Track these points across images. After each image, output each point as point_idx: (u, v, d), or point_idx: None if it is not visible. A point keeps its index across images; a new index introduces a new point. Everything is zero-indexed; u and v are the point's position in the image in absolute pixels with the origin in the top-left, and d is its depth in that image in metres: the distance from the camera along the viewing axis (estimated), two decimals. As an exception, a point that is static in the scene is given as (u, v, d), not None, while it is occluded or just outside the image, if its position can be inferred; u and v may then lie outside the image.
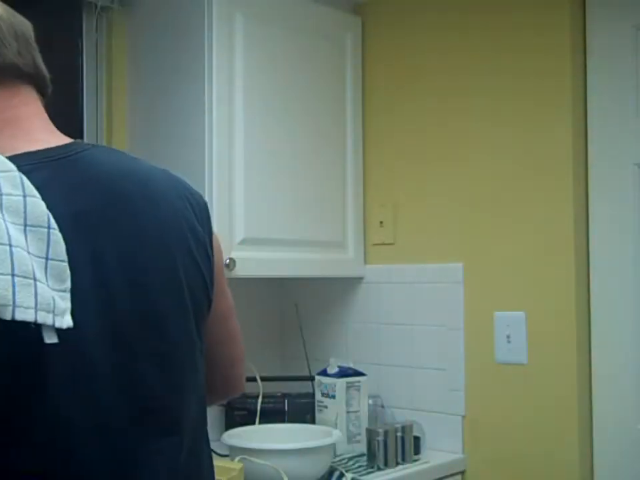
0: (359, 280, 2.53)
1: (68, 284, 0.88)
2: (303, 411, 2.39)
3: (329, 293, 2.60)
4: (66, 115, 2.21)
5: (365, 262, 2.53)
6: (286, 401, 2.41)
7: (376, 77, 2.53)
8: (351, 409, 2.28)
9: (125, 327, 0.96)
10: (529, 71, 2.20)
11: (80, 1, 2.29)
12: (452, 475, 2.26)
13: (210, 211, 2.20)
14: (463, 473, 2.29)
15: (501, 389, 2.23)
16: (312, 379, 2.40)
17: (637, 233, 2.08)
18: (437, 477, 2.21)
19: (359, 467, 2.15)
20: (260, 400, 2.37)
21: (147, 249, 1.01)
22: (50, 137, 1.01)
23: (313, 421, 2.33)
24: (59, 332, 0.85)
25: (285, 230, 2.28)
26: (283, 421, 2.37)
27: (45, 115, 1.05)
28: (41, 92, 1.07)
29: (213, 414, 2.46)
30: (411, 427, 2.21)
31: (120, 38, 2.36)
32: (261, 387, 2.41)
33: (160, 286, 1.01)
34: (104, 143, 2.32)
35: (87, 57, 2.32)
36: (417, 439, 2.24)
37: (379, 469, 2.12)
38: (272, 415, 2.37)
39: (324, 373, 2.33)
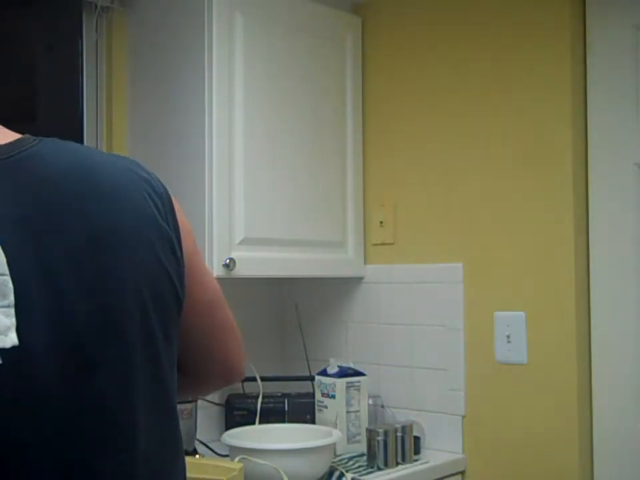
0: (358, 280, 2.53)
1: (11, 298, 0.80)
2: (303, 411, 2.39)
3: (329, 293, 2.60)
4: (66, 114, 2.21)
5: (365, 262, 2.53)
6: (286, 401, 2.41)
7: (376, 77, 2.53)
8: (351, 409, 2.28)
9: (79, 339, 0.85)
10: (529, 70, 2.20)
11: (80, 1, 2.29)
12: (452, 475, 2.26)
13: (210, 211, 2.22)
14: (462, 472, 2.29)
15: (501, 389, 2.23)
16: (312, 378, 2.40)
17: (637, 232, 2.08)
18: (437, 477, 2.21)
19: (359, 467, 2.15)
20: (260, 400, 2.37)
21: (101, 253, 0.89)
22: None
23: (312, 421, 2.34)
24: (3, 352, 0.78)
25: (285, 230, 2.28)
26: (283, 421, 2.37)
27: None
28: None
29: (213, 414, 2.46)
30: (411, 427, 2.21)
31: (120, 38, 2.36)
32: (260, 387, 2.41)
33: (117, 291, 0.90)
34: (104, 143, 2.33)
35: (87, 57, 2.32)
36: (417, 438, 2.24)
37: (379, 468, 2.12)
38: (272, 415, 2.37)
39: (324, 373, 2.33)
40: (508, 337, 2.21)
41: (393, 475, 2.11)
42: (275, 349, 2.70)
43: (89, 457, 0.86)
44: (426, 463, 2.21)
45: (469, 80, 2.32)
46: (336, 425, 2.23)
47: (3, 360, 0.77)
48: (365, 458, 2.20)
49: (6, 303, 0.79)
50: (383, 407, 2.41)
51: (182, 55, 2.20)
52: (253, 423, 2.32)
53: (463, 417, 2.30)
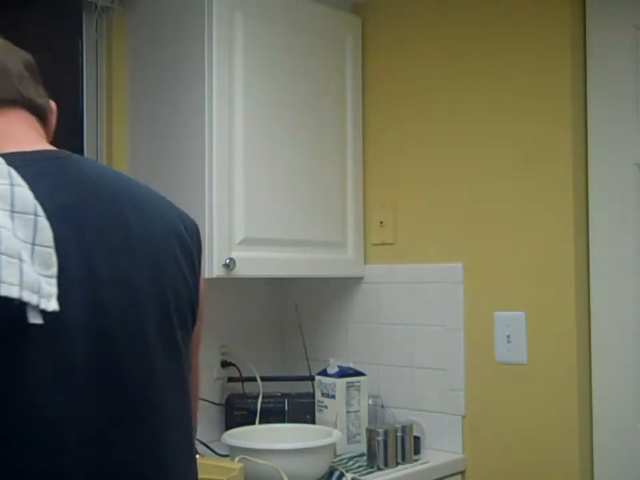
0: (358, 280, 2.53)
1: (54, 270, 0.90)
2: (303, 411, 2.39)
3: (329, 293, 2.60)
4: (66, 114, 2.20)
5: (365, 262, 2.53)
6: (286, 401, 2.41)
7: (376, 77, 2.53)
8: (351, 409, 2.28)
9: (107, 323, 0.97)
10: (530, 70, 2.20)
11: (80, 1, 2.29)
12: (452, 475, 2.26)
13: (210, 210, 2.22)
14: (462, 472, 2.29)
15: (501, 389, 2.23)
16: (312, 378, 2.40)
17: (637, 233, 2.08)
18: (437, 477, 2.21)
19: (359, 467, 2.15)
20: (260, 400, 2.37)
21: (132, 245, 1.03)
22: (38, 144, 1.07)
23: (312, 421, 2.34)
24: (45, 314, 0.87)
25: (285, 230, 2.28)
26: (283, 421, 2.37)
27: (34, 131, 1.12)
28: (37, 114, 1.15)
29: (213, 414, 2.46)
30: (411, 427, 2.21)
31: (120, 38, 2.36)
32: (260, 387, 2.41)
33: (143, 282, 1.03)
34: (104, 142, 2.33)
35: (87, 57, 2.32)
36: (417, 438, 2.24)
37: (379, 468, 2.12)
38: (272, 415, 2.37)
39: (324, 372, 2.33)
40: (508, 337, 2.21)
41: (393, 475, 2.11)
42: (275, 349, 2.70)
43: (106, 430, 0.95)
44: (426, 463, 2.21)
45: (469, 80, 2.32)
46: (336, 424, 2.23)
47: (44, 321, 0.87)
48: (364, 458, 2.20)
49: (49, 272, 0.89)
50: (383, 406, 2.41)
51: (182, 55, 2.20)
52: (253, 423, 2.32)
53: (463, 417, 2.30)
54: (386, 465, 2.13)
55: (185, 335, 1.11)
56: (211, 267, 2.07)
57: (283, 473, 1.90)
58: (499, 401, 2.23)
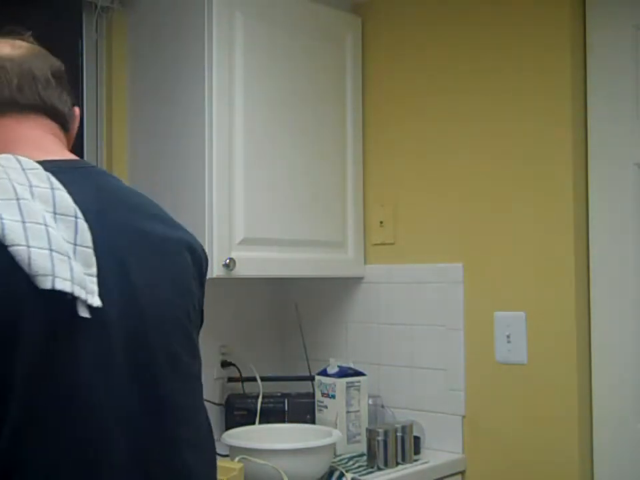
0: (358, 280, 2.53)
1: (94, 269, 0.97)
2: (303, 411, 2.39)
3: (328, 293, 2.60)
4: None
5: (365, 262, 2.53)
6: (286, 401, 2.41)
7: (376, 77, 2.53)
8: (351, 409, 2.28)
9: (139, 315, 1.04)
10: (530, 70, 2.20)
11: (80, 1, 2.29)
12: (452, 475, 2.26)
13: (210, 210, 2.23)
14: (462, 472, 2.29)
15: (501, 389, 2.23)
16: (312, 378, 2.40)
17: (637, 232, 2.08)
18: (437, 477, 2.21)
19: (359, 467, 2.15)
20: (260, 400, 2.37)
21: (153, 249, 1.11)
22: (61, 153, 1.14)
23: (313, 421, 2.33)
24: (91, 310, 0.94)
25: (285, 230, 2.28)
26: (283, 421, 2.37)
27: (57, 139, 1.17)
28: (58, 122, 1.19)
29: (213, 414, 2.46)
30: (411, 426, 2.21)
31: (120, 38, 2.36)
32: (260, 387, 2.41)
33: (165, 284, 1.11)
34: (104, 142, 2.33)
35: (87, 57, 2.32)
36: (417, 438, 2.24)
37: (379, 468, 2.12)
38: (272, 415, 2.37)
39: (324, 372, 2.33)
40: (508, 337, 2.21)
41: (393, 475, 2.11)
42: (274, 349, 2.70)
43: (145, 427, 1.02)
44: (426, 463, 2.21)
45: (469, 80, 2.32)
46: (336, 425, 2.23)
47: (90, 315, 0.94)
48: (365, 458, 2.20)
49: (91, 271, 0.97)
50: (383, 406, 2.41)
51: (182, 55, 2.20)
52: (253, 423, 2.32)
53: (463, 417, 2.30)
54: (386, 464, 2.13)
55: (197, 334, 1.18)
56: (211, 267, 2.07)
57: (283, 473, 1.90)
58: (499, 401, 2.23)
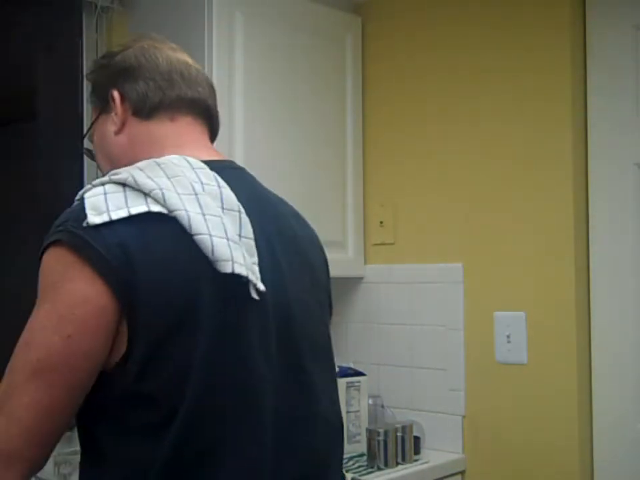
0: (358, 280, 2.53)
1: (256, 258, 1.07)
2: (303, 410, 2.38)
3: (328, 293, 2.60)
4: (66, 114, 2.21)
5: (365, 262, 2.53)
6: (286, 400, 2.40)
7: (376, 77, 2.53)
8: (351, 409, 2.28)
9: (289, 310, 1.13)
10: (530, 70, 2.20)
11: (80, 0, 2.29)
12: (452, 475, 2.26)
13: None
14: (462, 472, 2.29)
15: (501, 389, 2.23)
16: (312, 378, 2.40)
17: (637, 232, 2.08)
18: (437, 477, 2.21)
19: (359, 467, 2.15)
20: (260, 400, 2.36)
21: (297, 243, 1.21)
22: (217, 155, 1.23)
23: (313, 421, 2.33)
24: (259, 293, 1.04)
25: (285, 230, 2.28)
26: (283, 421, 2.36)
27: (208, 140, 1.28)
28: (212, 132, 1.29)
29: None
30: (411, 427, 2.21)
31: (120, 38, 2.36)
32: (261, 387, 2.40)
33: (307, 279, 1.21)
34: (104, 143, 2.32)
35: (87, 57, 2.32)
36: (417, 438, 2.24)
37: (379, 468, 2.12)
38: (272, 415, 2.37)
39: (324, 372, 2.32)
40: (508, 337, 2.21)
41: (393, 475, 2.11)
42: (274, 349, 2.70)
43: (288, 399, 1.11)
44: (426, 463, 2.21)
45: (469, 80, 2.32)
46: (336, 424, 2.23)
47: (259, 297, 1.05)
48: (365, 458, 2.20)
49: (254, 260, 1.06)
50: (383, 406, 2.41)
51: (182, 55, 2.20)
52: (253, 423, 2.32)
53: (463, 416, 2.30)
54: (386, 464, 2.13)
55: (329, 324, 1.30)
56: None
57: (283, 472, 1.90)
58: (499, 401, 2.23)
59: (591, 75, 2.16)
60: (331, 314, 1.32)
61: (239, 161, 2.15)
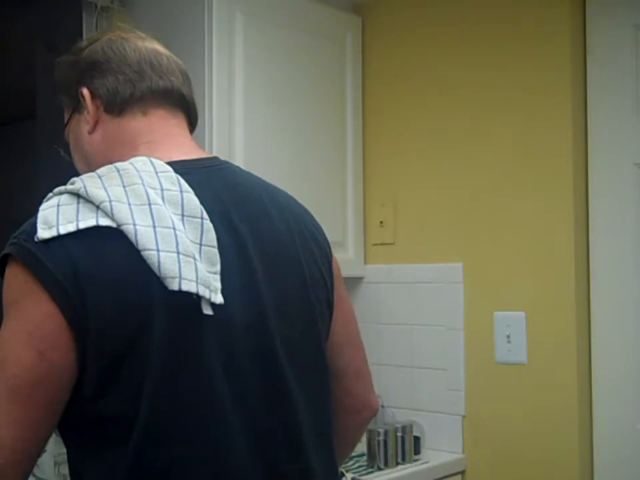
0: (358, 280, 2.53)
1: (218, 267, 1.01)
2: (303, 410, 2.38)
3: (328, 293, 2.60)
4: (66, 114, 2.21)
5: (365, 262, 2.53)
6: (286, 400, 2.40)
7: (376, 77, 2.53)
8: (350, 409, 2.28)
9: (264, 310, 1.07)
10: (529, 70, 2.20)
11: (80, 0, 2.29)
12: (452, 475, 2.26)
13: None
14: (462, 472, 2.29)
15: (501, 389, 2.23)
16: (312, 378, 2.39)
17: (637, 232, 2.08)
18: (437, 477, 2.21)
19: (359, 467, 2.15)
20: (260, 400, 2.36)
21: (280, 245, 1.13)
22: (197, 152, 1.17)
23: (313, 421, 2.33)
24: (214, 306, 0.99)
25: (285, 230, 2.28)
26: (283, 421, 2.36)
27: (191, 137, 1.22)
28: (190, 121, 1.25)
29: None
30: (411, 427, 2.21)
31: (120, 38, 2.36)
32: (260, 387, 2.40)
33: (290, 278, 1.13)
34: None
35: (87, 57, 2.32)
36: (417, 438, 2.24)
37: (379, 468, 2.12)
38: (272, 415, 2.36)
39: (324, 372, 2.32)
40: (508, 336, 2.21)
41: (393, 475, 2.11)
42: (274, 349, 2.70)
43: (268, 412, 1.06)
44: (426, 462, 2.21)
45: (469, 79, 2.32)
46: (336, 424, 2.23)
47: (214, 312, 0.99)
48: (365, 458, 2.20)
49: (214, 270, 1.01)
50: (383, 406, 2.40)
51: (182, 55, 2.17)
52: (253, 423, 2.31)
53: (463, 416, 2.30)
54: (386, 465, 2.13)
55: (324, 327, 1.19)
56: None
57: (282, 472, 1.89)
58: (499, 401, 2.23)
59: (591, 74, 2.16)
60: (331, 312, 1.23)
61: (239, 161, 2.18)
